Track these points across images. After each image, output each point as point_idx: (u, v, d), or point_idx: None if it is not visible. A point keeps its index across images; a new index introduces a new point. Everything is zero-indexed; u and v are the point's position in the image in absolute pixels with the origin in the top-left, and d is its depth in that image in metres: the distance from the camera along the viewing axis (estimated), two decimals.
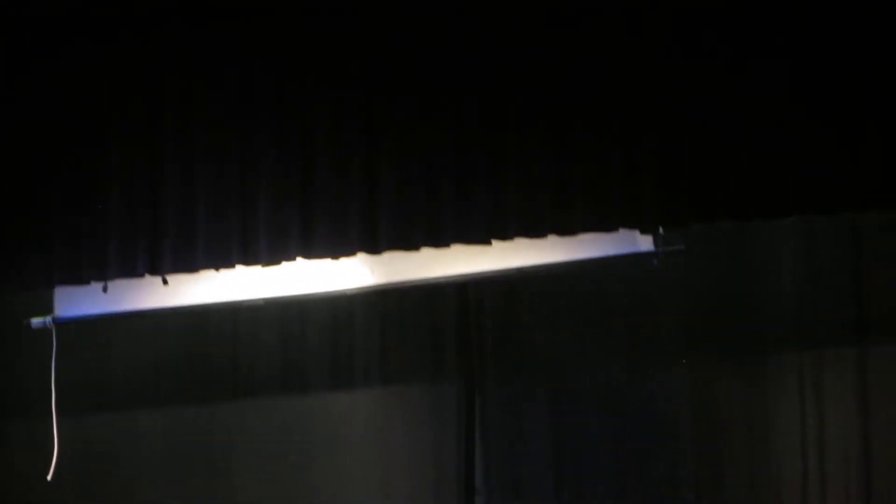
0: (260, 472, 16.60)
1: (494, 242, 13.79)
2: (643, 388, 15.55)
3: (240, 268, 14.10)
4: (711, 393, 15.32)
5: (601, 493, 15.66)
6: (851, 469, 14.64)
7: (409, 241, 13.93)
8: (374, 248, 13.97)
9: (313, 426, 16.67)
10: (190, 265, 14.18)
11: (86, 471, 16.63)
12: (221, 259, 14.15)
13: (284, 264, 14.07)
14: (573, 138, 13.39)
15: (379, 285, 14.62)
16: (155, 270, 14.24)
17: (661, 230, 13.80)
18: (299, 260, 14.00)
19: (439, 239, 13.88)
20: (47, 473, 14.19)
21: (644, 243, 13.98)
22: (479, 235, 13.82)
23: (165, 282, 14.47)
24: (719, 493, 15.01)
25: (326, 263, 14.19)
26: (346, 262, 14.20)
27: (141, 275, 14.25)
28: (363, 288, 14.64)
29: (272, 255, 14.13)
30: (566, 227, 13.59)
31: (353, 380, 16.74)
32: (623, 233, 13.75)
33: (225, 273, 14.26)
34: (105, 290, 14.49)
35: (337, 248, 13.99)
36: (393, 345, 16.62)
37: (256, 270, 14.20)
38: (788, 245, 15.07)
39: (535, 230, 13.65)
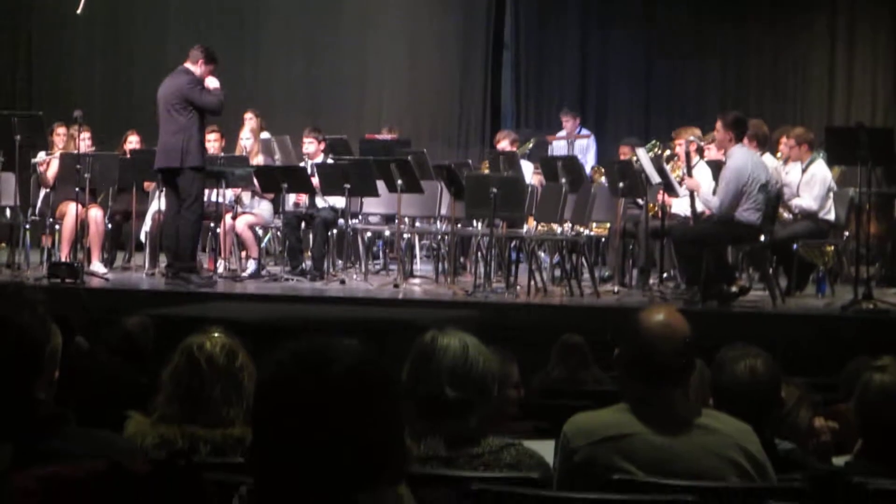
0: (287, 34, 16.63)
1: None
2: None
3: None
4: (743, 36, 15.28)
5: (626, 50, 15.78)
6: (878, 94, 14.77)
7: None
8: None
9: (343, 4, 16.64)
10: None
11: (115, 8, 16.72)
12: None
13: None
14: None
15: None
16: None
17: None
18: None
19: None
20: (77, 8, 14.14)
21: None
22: None
23: None
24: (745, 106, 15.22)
25: None
26: None
27: None
28: None
29: None
30: None
31: None
32: None
33: None
34: None
35: None
36: None
37: None
38: None
39: None
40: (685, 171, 10.84)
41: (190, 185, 10.82)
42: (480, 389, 3.70)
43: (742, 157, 9.98)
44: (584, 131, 14.73)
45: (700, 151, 11.10)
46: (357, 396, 2.13)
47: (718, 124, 10.08)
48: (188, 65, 11.07)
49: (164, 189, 11.39)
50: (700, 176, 10.67)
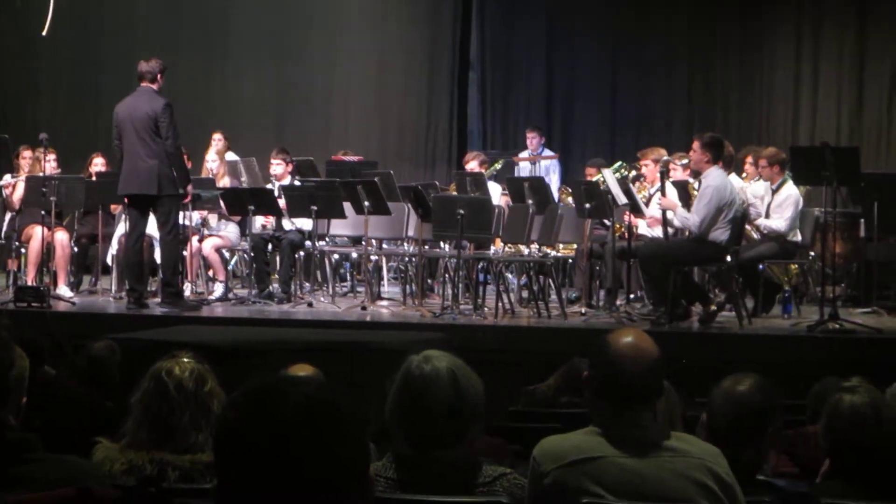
0: (254, 55, 16.58)
1: None
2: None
3: None
4: (710, 53, 15.42)
5: (593, 68, 15.82)
6: (843, 112, 14.88)
7: None
8: None
9: (309, 23, 16.62)
10: None
11: (80, 30, 16.65)
12: None
13: None
14: None
15: None
16: None
17: None
18: None
19: None
20: (42, 29, 14.10)
21: None
22: None
23: None
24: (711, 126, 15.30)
25: None
26: None
27: None
28: None
29: None
30: None
31: None
32: None
33: None
34: None
35: None
36: None
37: None
38: None
39: None
40: (654, 190, 10.89)
41: (168, 212, 10.72)
42: (473, 415, 3.72)
43: (720, 177, 10.10)
44: (548, 152, 14.76)
45: (666, 172, 11.13)
46: (311, 431, 2.12)
47: (696, 144, 10.15)
48: (148, 84, 10.90)
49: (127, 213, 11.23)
50: (668, 196, 10.71)
